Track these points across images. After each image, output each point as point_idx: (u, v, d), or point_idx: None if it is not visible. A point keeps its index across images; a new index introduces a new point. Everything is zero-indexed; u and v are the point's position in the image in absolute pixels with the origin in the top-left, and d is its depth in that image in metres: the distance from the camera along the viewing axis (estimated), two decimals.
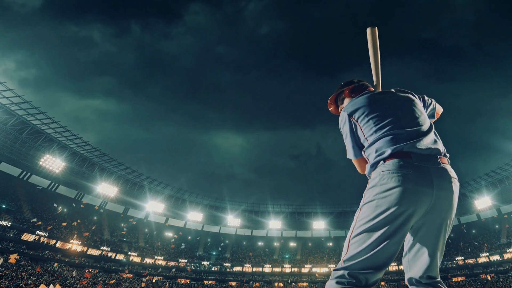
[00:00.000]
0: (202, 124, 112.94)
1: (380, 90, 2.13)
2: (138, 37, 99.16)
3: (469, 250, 46.20)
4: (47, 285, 29.30)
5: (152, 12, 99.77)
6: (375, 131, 1.74)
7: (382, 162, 1.64)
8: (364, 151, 1.84)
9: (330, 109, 2.38)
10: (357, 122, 1.83)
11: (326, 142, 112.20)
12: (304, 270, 51.83)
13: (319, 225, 57.43)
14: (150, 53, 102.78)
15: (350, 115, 1.85)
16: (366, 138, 1.78)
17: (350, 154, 1.93)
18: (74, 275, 34.61)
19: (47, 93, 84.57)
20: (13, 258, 25.65)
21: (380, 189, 1.54)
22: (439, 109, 2.14)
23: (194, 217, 56.31)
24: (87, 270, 38.49)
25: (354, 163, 1.99)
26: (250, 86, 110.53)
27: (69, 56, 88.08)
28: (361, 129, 1.81)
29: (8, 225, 35.52)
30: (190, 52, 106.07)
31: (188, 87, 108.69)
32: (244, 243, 58.79)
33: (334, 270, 1.51)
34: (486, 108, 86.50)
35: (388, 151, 1.63)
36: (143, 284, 40.19)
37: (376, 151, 1.69)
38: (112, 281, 30.97)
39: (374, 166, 1.69)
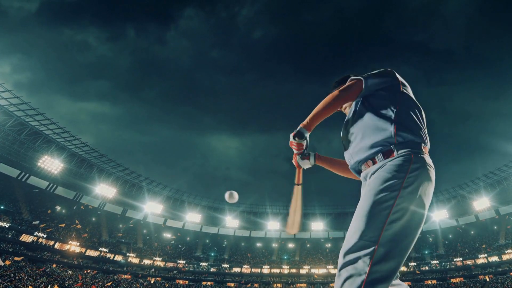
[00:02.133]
0: (198, 127, 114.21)
1: None
2: (133, 41, 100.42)
3: (468, 251, 46.15)
4: (46, 285, 29.40)
5: (147, 16, 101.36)
6: (413, 112, 1.71)
7: (422, 148, 1.59)
8: (398, 108, 1.69)
9: None
10: (404, 91, 1.79)
11: (320, 144, 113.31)
12: (303, 271, 51.77)
13: (318, 226, 57.37)
14: (145, 57, 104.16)
15: (403, 84, 1.83)
16: (398, 107, 1.68)
17: (369, 80, 1.74)
18: (70, 274, 34.72)
19: (42, 96, 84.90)
20: (8, 261, 25.89)
21: (427, 184, 1.45)
22: None
23: (193, 218, 56.30)
24: (85, 272, 38.52)
25: (349, 83, 1.78)
26: (244, 89, 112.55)
27: (64, 59, 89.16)
28: (400, 98, 1.75)
29: (7, 226, 35.61)
30: (185, 55, 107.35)
31: (182, 90, 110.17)
32: (243, 244, 58.76)
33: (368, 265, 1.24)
34: (478, 110, 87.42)
35: (427, 142, 1.66)
36: (137, 285, 40.17)
37: (418, 132, 1.63)
38: (109, 284, 31.01)
39: (413, 142, 1.58)
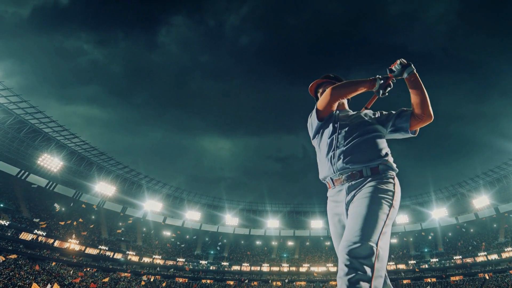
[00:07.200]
0: (189, 129, 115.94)
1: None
2: (122, 47, 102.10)
3: (467, 249, 46.15)
4: (45, 284, 29.41)
5: (136, 23, 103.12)
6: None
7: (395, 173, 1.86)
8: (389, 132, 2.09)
9: (310, 88, 2.50)
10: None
11: (311, 144, 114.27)
12: (302, 269, 51.78)
13: (317, 224, 57.38)
14: (135, 62, 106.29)
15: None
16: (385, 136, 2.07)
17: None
18: (71, 274, 34.77)
19: (32, 101, 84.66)
20: (2, 257, 26.08)
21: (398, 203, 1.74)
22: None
23: (192, 216, 56.34)
24: (85, 270, 38.58)
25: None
26: (233, 93, 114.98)
27: (54, 64, 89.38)
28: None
29: (6, 224, 35.61)
30: (174, 61, 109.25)
31: (172, 94, 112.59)
32: (242, 242, 58.80)
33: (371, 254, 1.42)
34: (467, 113, 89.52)
35: None
36: (143, 283, 40.24)
37: (393, 161, 1.91)
38: (106, 279, 31.12)
39: (392, 168, 1.85)
